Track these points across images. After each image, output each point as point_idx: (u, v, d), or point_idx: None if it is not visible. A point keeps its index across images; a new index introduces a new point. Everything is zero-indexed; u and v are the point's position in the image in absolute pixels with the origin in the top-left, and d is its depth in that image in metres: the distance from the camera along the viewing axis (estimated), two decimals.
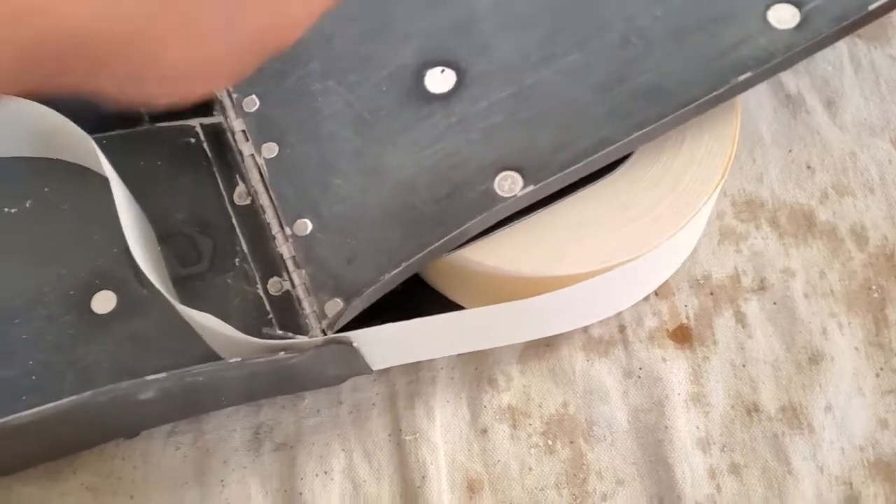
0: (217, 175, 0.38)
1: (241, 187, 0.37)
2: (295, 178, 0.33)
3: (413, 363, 0.36)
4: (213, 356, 0.33)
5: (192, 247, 0.36)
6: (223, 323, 0.30)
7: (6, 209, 0.37)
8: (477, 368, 0.36)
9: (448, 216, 0.31)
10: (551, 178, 0.31)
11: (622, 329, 0.36)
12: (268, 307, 0.35)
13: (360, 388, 0.36)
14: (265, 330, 0.33)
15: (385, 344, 0.32)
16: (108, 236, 0.36)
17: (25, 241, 0.36)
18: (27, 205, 0.37)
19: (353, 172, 0.32)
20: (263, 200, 0.33)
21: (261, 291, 0.35)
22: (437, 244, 0.31)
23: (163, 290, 0.32)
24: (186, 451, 0.35)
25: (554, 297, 0.31)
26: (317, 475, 0.34)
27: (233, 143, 0.38)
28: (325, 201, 0.32)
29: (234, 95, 0.35)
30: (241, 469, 0.35)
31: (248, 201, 0.37)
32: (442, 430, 0.35)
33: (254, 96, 0.34)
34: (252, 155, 0.34)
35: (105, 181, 0.38)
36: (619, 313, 0.36)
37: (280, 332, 0.33)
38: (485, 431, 0.35)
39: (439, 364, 0.36)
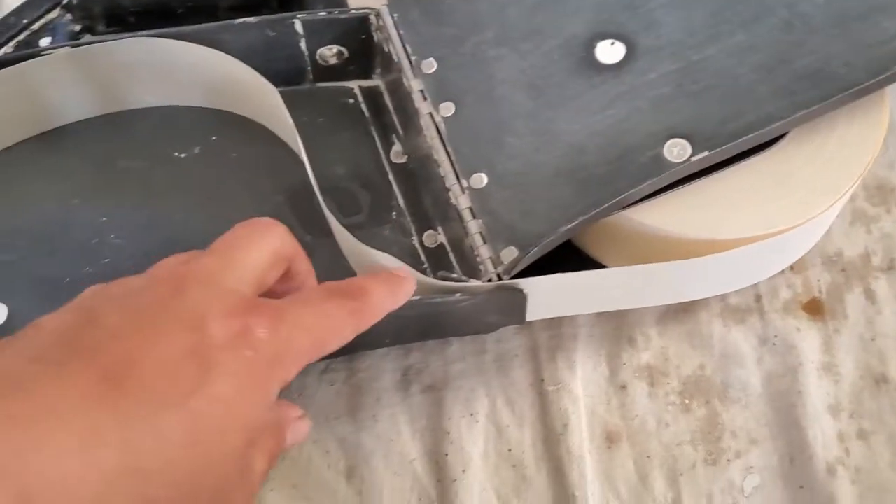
0: (374, 134, 0.40)
1: (397, 146, 0.39)
2: (471, 135, 0.35)
3: (555, 319, 0.38)
4: None
5: (352, 199, 0.39)
6: (403, 264, 0.33)
7: (176, 153, 0.39)
8: (616, 328, 0.38)
9: (618, 178, 0.33)
10: (721, 148, 0.33)
11: (758, 299, 0.38)
12: (423, 258, 0.37)
13: (503, 339, 0.38)
14: (441, 273, 0.35)
15: (547, 295, 0.34)
16: (273, 185, 0.38)
17: (193, 185, 0.38)
18: (196, 151, 0.39)
19: (526, 132, 0.35)
20: (439, 155, 0.35)
21: (416, 243, 0.38)
22: (608, 203, 0.32)
23: (344, 231, 0.34)
24: (340, 387, 0.37)
25: (714, 260, 0.33)
26: (463, 417, 0.36)
27: (389, 104, 0.40)
28: (499, 158, 0.34)
29: (413, 58, 0.37)
30: (392, 407, 0.37)
31: (403, 160, 0.39)
32: (582, 383, 0.37)
33: (432, 59, 0.36)
34: (430, 113, 0.36)
35: (269, 134, 0.40)
36: (756, 284, 0.38)
37: (455, 275, 0.35)
38: (623, 387, 0.37)
39: (580, 321, 0.38)
